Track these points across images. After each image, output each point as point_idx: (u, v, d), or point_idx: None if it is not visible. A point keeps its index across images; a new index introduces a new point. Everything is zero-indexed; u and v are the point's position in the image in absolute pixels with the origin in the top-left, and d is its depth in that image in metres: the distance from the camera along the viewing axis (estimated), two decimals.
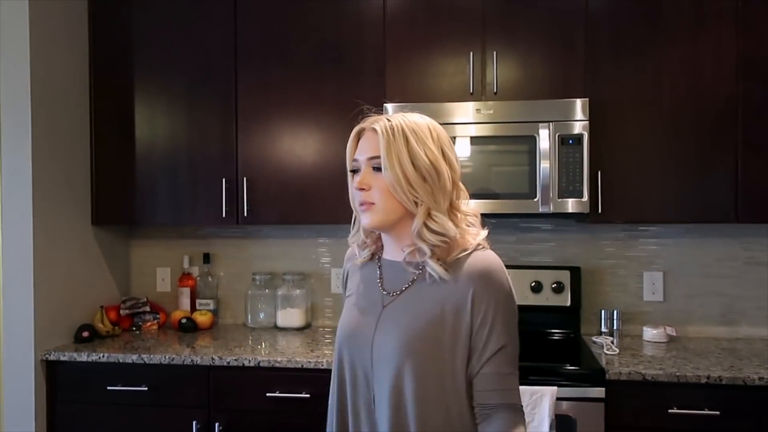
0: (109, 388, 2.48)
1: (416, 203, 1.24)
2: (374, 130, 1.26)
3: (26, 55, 2.50)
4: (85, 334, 2.70)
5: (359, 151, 1.29)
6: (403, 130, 1.24)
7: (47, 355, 2.53)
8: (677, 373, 2.17)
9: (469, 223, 1.30)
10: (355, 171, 1.30)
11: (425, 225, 1.24)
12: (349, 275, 1.45)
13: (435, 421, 1.22)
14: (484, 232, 1.30)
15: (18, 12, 2.50)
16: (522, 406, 1.25)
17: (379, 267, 1.36)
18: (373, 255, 1.38)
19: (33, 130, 2.53)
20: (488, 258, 1.25)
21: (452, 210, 1.28)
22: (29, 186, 2.53)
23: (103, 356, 2.49)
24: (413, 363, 1.22)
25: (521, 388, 1.28)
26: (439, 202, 1.25)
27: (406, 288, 1.29)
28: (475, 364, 1.22)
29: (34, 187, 2.54)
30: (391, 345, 1.24)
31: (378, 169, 1.25)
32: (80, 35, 2.83)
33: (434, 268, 1.24)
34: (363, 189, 1.26)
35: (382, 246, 1.38)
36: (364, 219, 1.28)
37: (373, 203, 1.26)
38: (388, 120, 1.26)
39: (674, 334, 2.74)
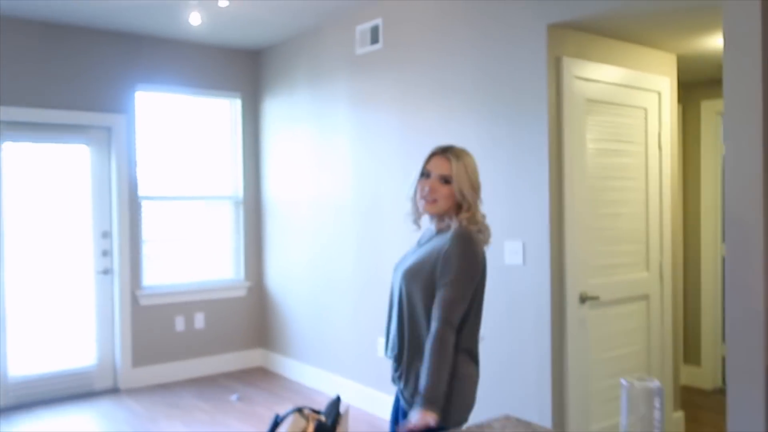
0: None
1: (463, 203, 2.10)
2: (446, 157, 2.13)
3: None
4: None
5: (433, 166, 2.13)
6: (463, 158, 2.12)
7: None
8: None
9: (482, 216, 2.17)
10: (423, 175, 2.15)
11: (465, 213, 2.10)
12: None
13: (421, 317, 2.07)
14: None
15: None
16: (445, 318, 1.99)
17: (425, 231, 2.25)
18: (416, 224, 2.26)
19: None
20: (458, 232, 2.07)
21: (476, 208, 2.14)
22: None
23: None
24: (407, 282, 2.10)
25: None
26: (476, 204, 2.12)
27: (425, 243, 2.17)
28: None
29: None
30: (401, 272, 2.14)
31: (446, 181, 2.10)
32: None
33: (439, 234, 2.16)
34: (432, 191, 2.11)
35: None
36: (428, 207, 2.14)
37: (436, 200, 2.11)
38: (454, 149, 2.14)
39: None
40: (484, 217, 2.15)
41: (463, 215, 2.09)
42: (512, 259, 3.44)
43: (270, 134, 5.62)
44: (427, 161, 2.16)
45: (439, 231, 2.15)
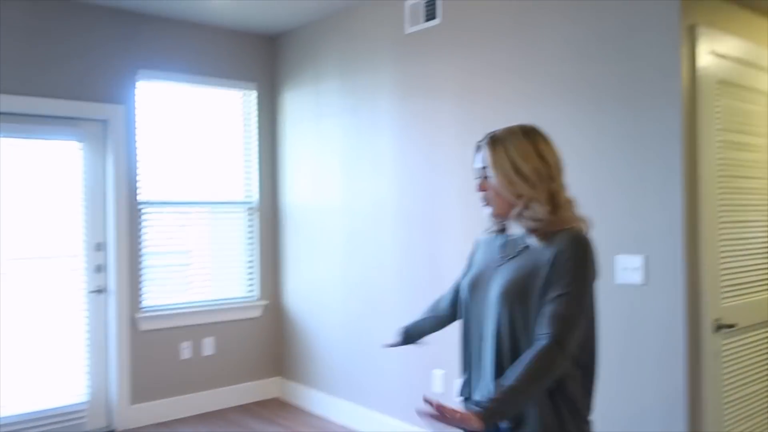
0: None
1: (518, 197, 1.65)
2: (479, 146, 1.74)
3: None
4: None
5: (476, 162, 1.75)
6: (503, 143, 1.68)
7: None
8: None
9: (573, 209, 1.70)
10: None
11: (521, 213, 1.66)
12: (477, 249, 1.89)
13: (524, 348, 1.60)
14: (582, 216, 1.70)
15: None
16: (557, 338, 1.54)
17: (504, 240, 1.76)
18: (502, 230, 1.79)
19: None
20: (574, 234, 1.62)
21: (553, 198, 1.66)
22: None
23: None
24: (507, 306, 1.64)
25: None
26: (536, 194, 1.65)
27: (516, 254, 1.69)
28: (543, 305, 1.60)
29: None
30: (495, 293, 1.67)
31: (486, 176, 1.71)
32: None
33: (532, 240, 1.66)
34: (483, 191, 1.74)
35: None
36: (486, 211, 1.76)
37: (488, 202, 1.73)
38: (493, 135, 1.71)
39: None
40: (569, 202, 1.70)
41: (522, 212, 1.67)
42: (627, 278, 2.77)
43: (290, 131, 4.89)
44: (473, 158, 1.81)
45: (531, 234, 1.67)
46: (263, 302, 4.95)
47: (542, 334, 1.56)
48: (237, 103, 4.93)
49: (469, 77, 3.49)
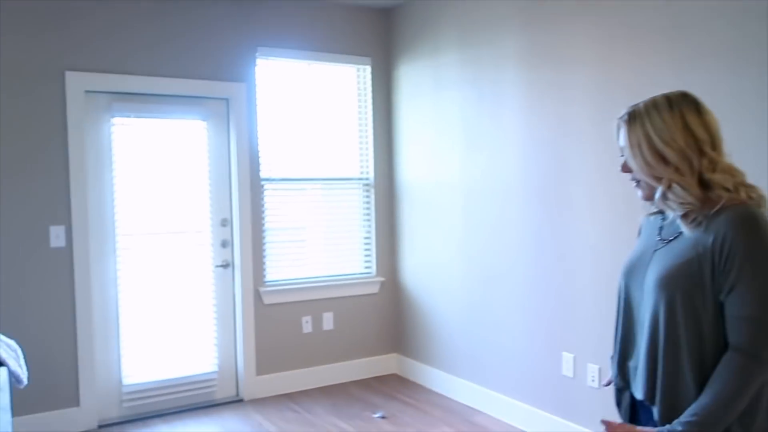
0: None
1: (658, 179, 1.52)
2: (618, 125, 1.60)
3: None
4: None
5: (619, 140, 1.61)
6: (642, 119, 1.53)
7: None
8: None
9: (738, 184, 1.47)
10: None
11: (665, 196, 1.51)
12: (641, 229, 1.73)
13: (684, 342, 1.46)
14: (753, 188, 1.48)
15: None
16: (751, 350, 1.39)
17: (663, 221, 1.61)
18: (661, 211, 1.62)
19: None
20: (738, 212, 1.42)
21: (703, 176, 1.47)
22: None
23: None
24: (666, 294, 1.48)
25: None
26: (678, 176, 1.49)
27: (674, 238, 1.53)
28: (723, 300, 1.44)
29: None
30: (652, 279, 1.53)
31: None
32: None
33: (682, 223, 1.50)
34: (626, 172, 1.61)
35: None
36: (637, 194, 1.62)
37: (637, 182, 1.59)
38: (632, 110, 1.56)
39: None
40: (729, 176, 1.48)
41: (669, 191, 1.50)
42: None
43: (406, 105, 4.79)
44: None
45: (683, 218, 1.50)
46: (380, 278, 4.93)
47: (734, 345, 1.41)
48: (352, 79, 4.88)
49: (607, 40, 3.23)
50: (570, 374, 3.51)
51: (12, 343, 2.79)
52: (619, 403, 1.70)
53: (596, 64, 3.30)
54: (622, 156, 1.60)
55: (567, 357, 3.53)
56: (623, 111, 1.59)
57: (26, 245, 3.76)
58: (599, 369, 3.34)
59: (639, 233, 1.75)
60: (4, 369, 2.58)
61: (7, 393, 2.36)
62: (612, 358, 1.72)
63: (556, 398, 3.61)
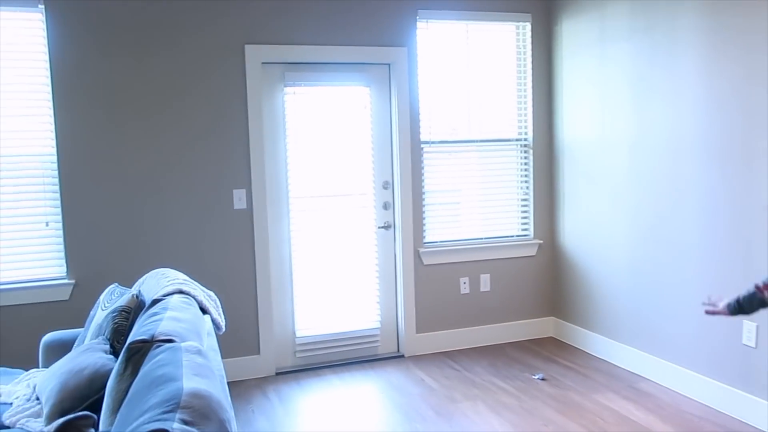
0: None
1: None
2: None
3: None
4: None
5: None
6: None
7: None
8: None
9: None
10: None
11: None
12: None
13: None
14: None
15: None
16: None
17: None
18: None
19: None
20: None
21: None
22: None
23: None
24: None
25: None
26: None
27: None
28: None
29: None
30: None
31: None
32: None
33: None
34: None
35: None
36: None
37: None
38: None
39: None
40: None
41: None
42: None
43: (568, 62, 4.63)
44: None
45: None
46: (538, 241, 4.88)
47: None
48: (511, 38, 4.79)
49: None
50: (752, 344, 3.30)
51: (212, 293, 3.12)
52: None
53: None
54: None
55: (749, 326, 3.31)
56: None
57: (214, 207, 4.13)
58: None
59: None
60: (207, 317, 2.89)
61: (215, 337, 2.66)
62: None
63: (734, 369, 3.42)
